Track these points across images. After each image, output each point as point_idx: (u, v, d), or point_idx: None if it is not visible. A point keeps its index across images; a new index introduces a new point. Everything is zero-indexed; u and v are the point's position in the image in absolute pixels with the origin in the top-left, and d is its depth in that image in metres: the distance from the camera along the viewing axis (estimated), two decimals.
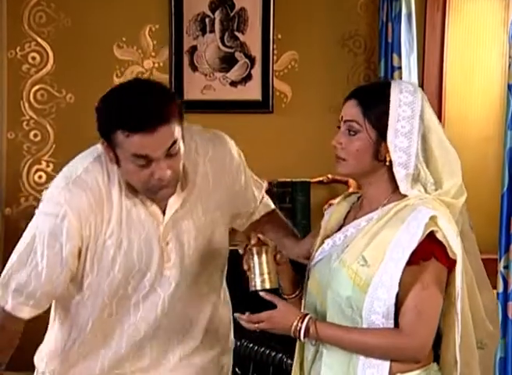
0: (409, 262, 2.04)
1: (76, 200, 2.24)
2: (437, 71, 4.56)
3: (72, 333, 2.43)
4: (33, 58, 4.48)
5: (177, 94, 4.35)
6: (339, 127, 2.18)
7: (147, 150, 2.15)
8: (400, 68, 4.36)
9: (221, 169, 2.42)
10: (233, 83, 4.61)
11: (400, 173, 2.11)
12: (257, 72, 4.62)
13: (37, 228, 2.30)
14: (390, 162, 2.12)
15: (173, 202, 2.32)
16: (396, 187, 2.15)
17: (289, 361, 3.32)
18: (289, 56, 4.66)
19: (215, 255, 2.43)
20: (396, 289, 2.04)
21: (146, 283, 2.36)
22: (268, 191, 4.39)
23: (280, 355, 3.38)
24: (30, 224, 2.34)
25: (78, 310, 2.39)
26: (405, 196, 2.14)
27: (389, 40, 4.43)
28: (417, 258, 2.05)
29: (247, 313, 2.15)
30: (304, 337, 2.12)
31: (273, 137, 4.66)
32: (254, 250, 2.14)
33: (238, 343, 3.60)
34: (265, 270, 2.14)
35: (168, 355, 2.47)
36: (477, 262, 2.21)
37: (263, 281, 2.16)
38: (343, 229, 2.22)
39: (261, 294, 2.15)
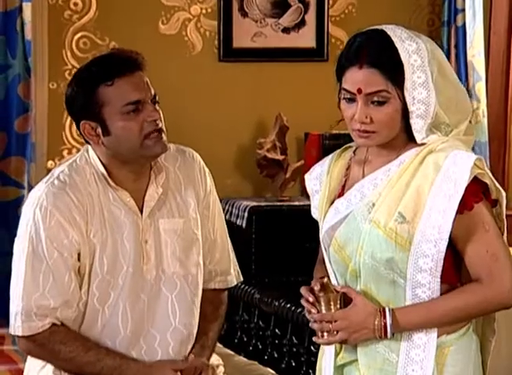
0: (458, 210, 1.97)
1: (59, 199, 2.27)
2: (506, 13, 4.44)
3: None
4: (76, 5, 4.39)
5: (226, 41, 4.45)
6: (345, 99, 2.06)
7: (136, 93, 2.25)
8: (463, 10, 4.34)
9: (191, 177, 2.43)
10: (286, 30, 4.50)
11: (417, 124, 2.05)
12: (311, 17, 4.50)
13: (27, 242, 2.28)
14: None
15: (149, 198, 2.34)
16: (410, 135, 2.07)
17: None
18: (346, 0, 4.59)
19: (191, 266, 2.39)
20: (446, 242, 1.97)
21: (129, 284, 2.31)
22: (319, 144, 4.35)
23: (300, 309, 3.36)
24: (17, 243, 2.32)
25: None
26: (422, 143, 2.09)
27: None
28: (469, 203, 1.99)
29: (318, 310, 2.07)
30: (392, 334, 2.00)
31: (328, 87, 4.39)
32: (322, 299, 2.07)
33: (260, 298, 3.63)
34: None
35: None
36: None
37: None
38: (357, 185, 2.09)
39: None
